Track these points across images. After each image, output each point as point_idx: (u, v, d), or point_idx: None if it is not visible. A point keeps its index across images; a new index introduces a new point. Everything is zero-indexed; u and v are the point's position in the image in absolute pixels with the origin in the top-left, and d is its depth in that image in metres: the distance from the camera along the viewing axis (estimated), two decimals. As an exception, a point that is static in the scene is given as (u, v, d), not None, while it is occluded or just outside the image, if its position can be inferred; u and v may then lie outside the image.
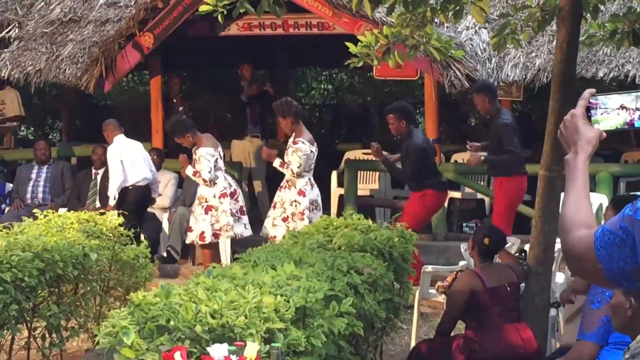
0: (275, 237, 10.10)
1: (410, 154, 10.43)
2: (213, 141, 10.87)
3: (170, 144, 13.49)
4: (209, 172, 10.60)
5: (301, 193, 10.35)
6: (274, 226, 10.40)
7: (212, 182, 10.63)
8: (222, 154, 10.96)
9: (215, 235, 10.69)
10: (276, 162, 10.56)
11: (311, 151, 10.41)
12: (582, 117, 2.90)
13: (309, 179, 10.45)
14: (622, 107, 2.86)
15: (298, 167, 10.30)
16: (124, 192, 11.26)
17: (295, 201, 10.34)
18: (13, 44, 13.91)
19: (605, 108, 2.91)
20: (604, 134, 2.91)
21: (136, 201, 11.27)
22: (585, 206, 2.80)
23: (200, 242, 10.81)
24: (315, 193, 10.49)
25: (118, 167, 11.21)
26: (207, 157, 10.64)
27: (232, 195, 10.77)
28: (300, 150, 10.32)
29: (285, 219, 10.33)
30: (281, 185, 10.58)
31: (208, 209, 10.65)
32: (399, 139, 10.76)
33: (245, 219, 10.90)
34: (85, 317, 7.88)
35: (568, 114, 2.94)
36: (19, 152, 14.79)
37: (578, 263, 2.75)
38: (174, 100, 14.11)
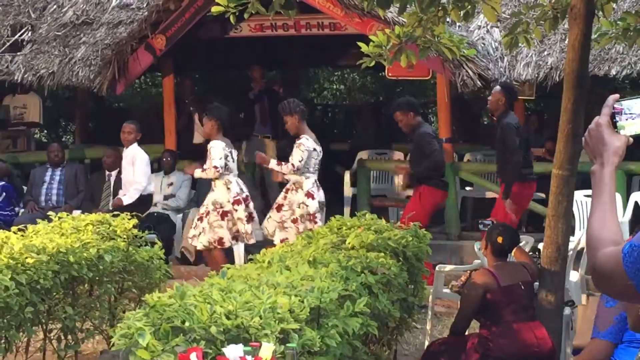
0: (287, 239, 10.10)
1: (422, 141, 10.53)
2: (228, 142, 10.84)
3: (183, 145, 13.52)
4: (220, 159, 10.53)
5: (309, 195, 10.35)
6: (284, 229, 10.39)
7: (222, 170, 10.57)
8: (235, 156, 10.91)
9: (235, 239, 10.65)
10: (272, 164, 10.62)
11: (314, 149, 10.43)
12: (607, 126, 2.83)
13: (315, 181, 10.46)
14: None
15: (299, 161, 10.32)
16: (140, 199, 11.30)
17: (303, 203, 10.34)
18: (26, 47, 13.96)
19: (631, 113, 2.82)
20: (631, 140, 2.84)
21: (145, 210, 11.32)
22: (612, 222, 2.75)
23: (219, 247, 10.73)
24: (321, 195, 10.51)
25: (147, 172, 11.29)
26: (217, 148, 10.58)
27: (245, 200, 10.73)
28: (303, 144, 10.36)
29: (295, 221, 10.33)
30: (287, 187, 10.59)
31: (224, 215, 10.60)
32: (409, 133, 10.83)
33: (253, 224, 10.88)
34: (100, 319, 7.90)
35: (592, 122, 2.86)
36: (32, 155, 14.83)
37: (607, 280, 2.70)
38: (186, 102, 14.13)
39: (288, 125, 10.59)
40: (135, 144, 11.46)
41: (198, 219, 10.72)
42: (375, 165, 13.59)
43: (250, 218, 10.75)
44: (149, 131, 13.69)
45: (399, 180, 11.16)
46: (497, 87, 10.43)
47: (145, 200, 11.47)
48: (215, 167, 10.50)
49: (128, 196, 11.31)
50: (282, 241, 9.99)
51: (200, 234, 10.64)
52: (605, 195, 2.79)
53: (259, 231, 10.88)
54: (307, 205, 10.33)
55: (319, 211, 10.34)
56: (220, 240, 10.60)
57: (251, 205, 10.84)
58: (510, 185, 10.13)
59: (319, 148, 10.53)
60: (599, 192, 2.81)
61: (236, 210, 10.58)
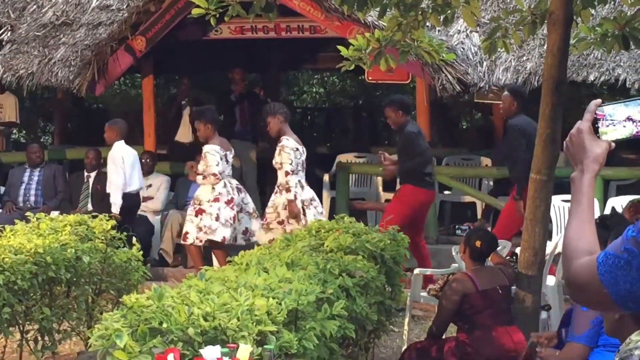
0: (274, 239, 10.14)
1: (407, 140, 10.59)
2: (224, 142, 10.93)
3: (170, 140, 13.54)
4: (217, 165, 10.63)
5: (294, 196, 10.39)
6: (270, 230, 10.41)
7: (222, 175, 10.66)
8: (230, 159, 10.95)
9: (198, 239, 10.69)
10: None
11: (297, 149, 10.47)
12: (588, 133, 2.80)
13: (299, 181, 10.49)
14: (629, 119, 2.78)
15: (290, 164, 10.36)
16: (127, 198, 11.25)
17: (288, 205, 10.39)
18: (5, 47, 13.90)
19: (612, 120, 2.81)
20: (613, 145, 2.81)
21: (129, 208, 11.24)
22: (588, 232, 2.73)
23: (182, 242, 10.81)
24: (306, 194, 10.53)
25: (122, 173, 11.20)
26: (212, 152, 10.67)
27: (229, 203, 10.72)
28: (286, 146, 10.40)
29: (281, 222, 10.37)
30: (275, 190, 10.62)
31: (199, 212, 10.65)
32: (396, 131, 10.92)
33: (237, 227, 10.87)
34: (77, 320, 7.89)
35: (574, 128, 2.84)
36: (11, 155, 14.78)
37: (581, 291, 2.68)
38: (182, 103, 14.20)
39: (270, 126, 10.63)
40: (116, 142, 11.37)
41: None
42: (355, 168, 13.61)
43: (233, 220, 10.74)
44: (128, 133, 13.67)
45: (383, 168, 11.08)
46: (506, 93, 10.39)
47: (132, 199, 11.38)
48: (215, 175, 10.59)
49: (112, 204, 11.22)
50: (270, 242, 10.04)
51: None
52: (583, 204, 2.79)
53: (241, 235, 10.92)
54: None
55: (302, 210, 10.38)
56: (185, 235, 10.66)
57: (236, 208, 10.80)
58: (522, 186, 10.16)
59: (301, 148, 10.57)
60: (577, 200, 2.80)
61: (211, 207, 10.64)
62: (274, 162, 10.54)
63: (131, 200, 11.30)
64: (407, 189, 10.64)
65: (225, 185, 10.74)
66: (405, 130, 10.70)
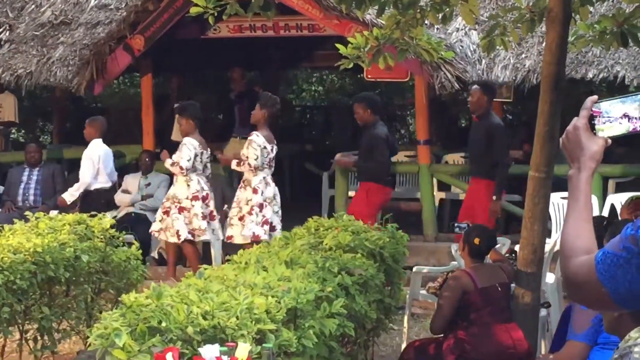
0: (232, 237, 10.31)
1: (375, 143, 10.73)
2: (202, 141, 10.92)
3: (164, 141, 13.51)
4: (188, 160, 10.68)
5: (255, 191, 10.50)
6: (231, 226, 10.50)
7: (187, 171, 10.66)
8: (205, 158, 10.95)
9: (191, 234, 10.72)
10: (233, 164, 10.76)
11: (265, 147, 10.50)
12: (585, 130, 2.80)
13: (265, 177, 10.56)
14: (625, 116, 2.77)
15: (255, 160, 10.43)
16: (92, 194, 11.33)
17: (250, 200, 10.44)
18: (4, 46, 13.89)
19: (609, 117, 2.80)
20: (609, 141, 2.81)
21: (105, 204, 11.31)
22: (586, 231, 2.72)
23: (176, 241, 10.83)
24: (270, 191, 10.57)
25: (91, 169, 11.33)
26: (189, 147, 10.76)
27: (204, 199, 10.80)
28: (254, 141, 10.51)
29: (241, 218, 10.45)
30: (239, 185, 10.71)
31: (181, 210, 10.69)
32: (363, 128, 11.12)
33: (214, 224, 10.90)
34: (76, 319, 7.89)
35: (570, 125, 2.83)
36: (10, 155, 14.78)
37: (579, 289, 2.67)
38: (171, 98, 14.19)
39: (254, 113, 10.72)
40: (94, 140, 11.52)
41: (163, 213, 10.80)
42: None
43: (211, 217, 10.80)
44: (127, 131, 13.66)
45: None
46: (476, 87, 10.49)
47: (105, 195, 11.46)
48: (181, 168, 10.64)
49: (68, 193, 11.41)
50: (228, 238, 10.20)
51: (166, 227, 10.77)
52: (580, 202, 2.77)
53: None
54: (251, 201, 10.46)
55: (261, 205, 10.44)
56: (177, 233, 10.67)
57: (211, 204, 10.87)
58: (502, 186, 10.19)
59: (269, 146, 10.61)
60: (575, 199, 2.78)
61: (193, 206, 10.70)
62: (241, 153, 10.64)
63: (105, 197, 11.41)
64: (373, 188, 10.81)
65: (199, 182, 10.81)
66: (373, 132, 10.85)
